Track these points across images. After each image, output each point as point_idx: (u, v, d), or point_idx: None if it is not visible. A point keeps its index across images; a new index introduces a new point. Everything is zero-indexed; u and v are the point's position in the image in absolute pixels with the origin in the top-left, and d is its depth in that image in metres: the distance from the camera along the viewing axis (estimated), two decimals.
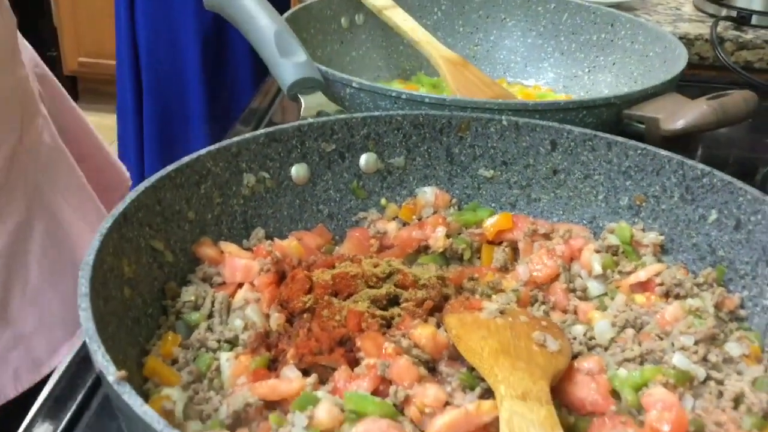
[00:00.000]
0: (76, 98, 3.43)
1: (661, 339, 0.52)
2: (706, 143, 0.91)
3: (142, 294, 0.51)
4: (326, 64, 0.93)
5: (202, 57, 1.64)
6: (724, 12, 1.20)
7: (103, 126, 2.05)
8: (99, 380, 0.53)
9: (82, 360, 0.56)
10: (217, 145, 0.59)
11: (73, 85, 3.38)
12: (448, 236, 0.63)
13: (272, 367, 0.49)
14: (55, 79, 0.96)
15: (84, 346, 0.55)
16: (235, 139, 0.60)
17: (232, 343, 0.51)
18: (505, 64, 1.03)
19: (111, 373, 0.36)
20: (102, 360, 0.37)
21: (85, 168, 0.93)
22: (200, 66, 1.65)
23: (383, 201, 0.66)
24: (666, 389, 0.47)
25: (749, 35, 1.15)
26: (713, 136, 0.87)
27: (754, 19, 1.18)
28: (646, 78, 0.89)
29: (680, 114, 0.67)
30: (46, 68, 0.93)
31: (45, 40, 3.21)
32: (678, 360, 0.49)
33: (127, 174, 1.12)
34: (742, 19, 1.18)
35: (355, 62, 0.99)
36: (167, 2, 1.62)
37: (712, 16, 1.22)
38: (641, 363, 0.50)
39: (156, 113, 1.71)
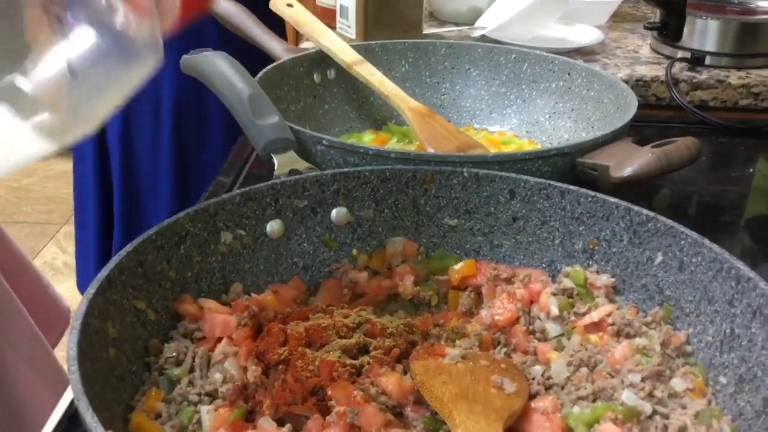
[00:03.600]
0: None
1: (612, 377, 0.56)
2: (672, 181, 0.95)
3: (126, 353, 0.54)
4: (300, 117, 0.99)
5: (179, 116, 1.65)
6: (679, 54, 1.26)
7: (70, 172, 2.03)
8: None
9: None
10: (195, 207, 0.63)
11: None
12: (416, 284, 0.68)
13: (249, 418, 0.52)
14: None
15: (71, 405, 0.58)
16: (212, 200, 0.64)
17: (212, 395, 0.54)
18: (471, 112, 1.08)
19: None
20: (91, 420, 0.41)
21: (27, 307, 0.86)
22: (177, 125, 1.65)
23: (354, 251, 0.70)
24: (615, 425, 0.51)
25: (703, 75, 1.21)
26: (678, 174, 0.90)
27: (708, 60, 1.24)
28: (602, 123, 0.94)
29: (628, 162, 0.72)
30: None
31: None
32: (626, 396, 0.53)
33: (67, 305, 1.03)
34: (696, 60, 1.24)
35: (328, 114, 1.04)
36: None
37: (668, 57, 1.28)
38: (594, 400, 0.54)
39: (126, 169, 1.69)
